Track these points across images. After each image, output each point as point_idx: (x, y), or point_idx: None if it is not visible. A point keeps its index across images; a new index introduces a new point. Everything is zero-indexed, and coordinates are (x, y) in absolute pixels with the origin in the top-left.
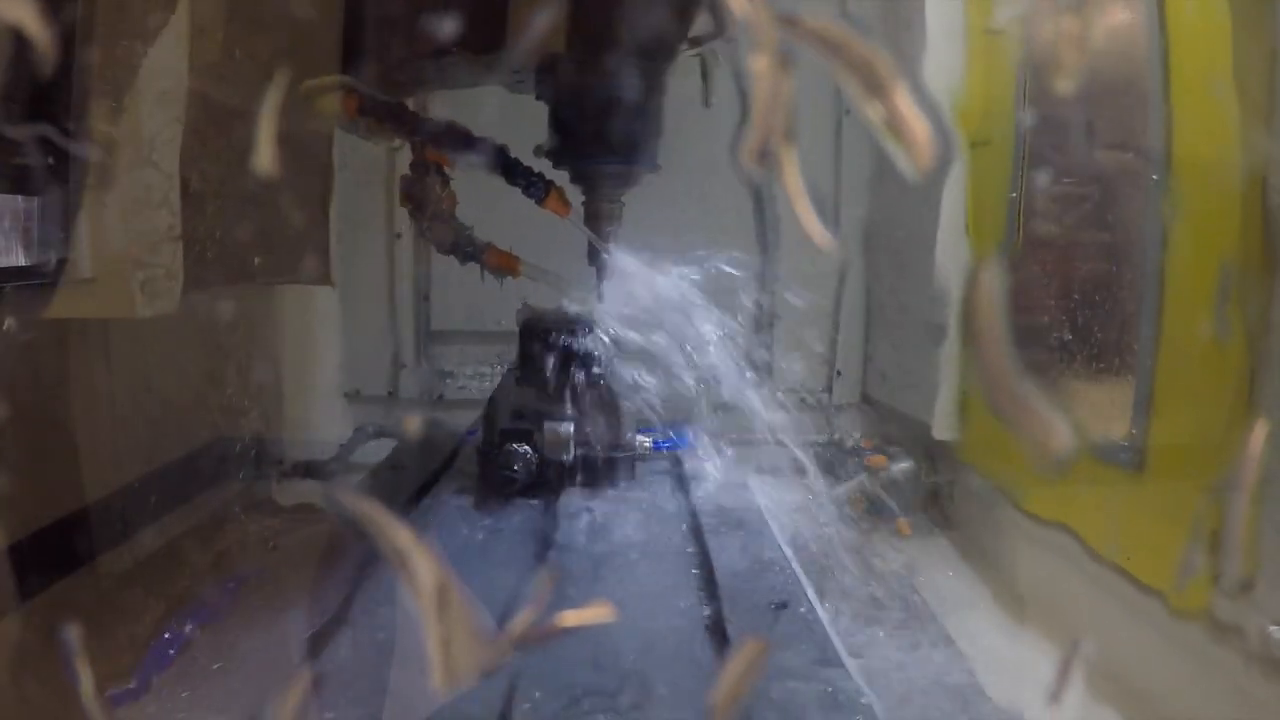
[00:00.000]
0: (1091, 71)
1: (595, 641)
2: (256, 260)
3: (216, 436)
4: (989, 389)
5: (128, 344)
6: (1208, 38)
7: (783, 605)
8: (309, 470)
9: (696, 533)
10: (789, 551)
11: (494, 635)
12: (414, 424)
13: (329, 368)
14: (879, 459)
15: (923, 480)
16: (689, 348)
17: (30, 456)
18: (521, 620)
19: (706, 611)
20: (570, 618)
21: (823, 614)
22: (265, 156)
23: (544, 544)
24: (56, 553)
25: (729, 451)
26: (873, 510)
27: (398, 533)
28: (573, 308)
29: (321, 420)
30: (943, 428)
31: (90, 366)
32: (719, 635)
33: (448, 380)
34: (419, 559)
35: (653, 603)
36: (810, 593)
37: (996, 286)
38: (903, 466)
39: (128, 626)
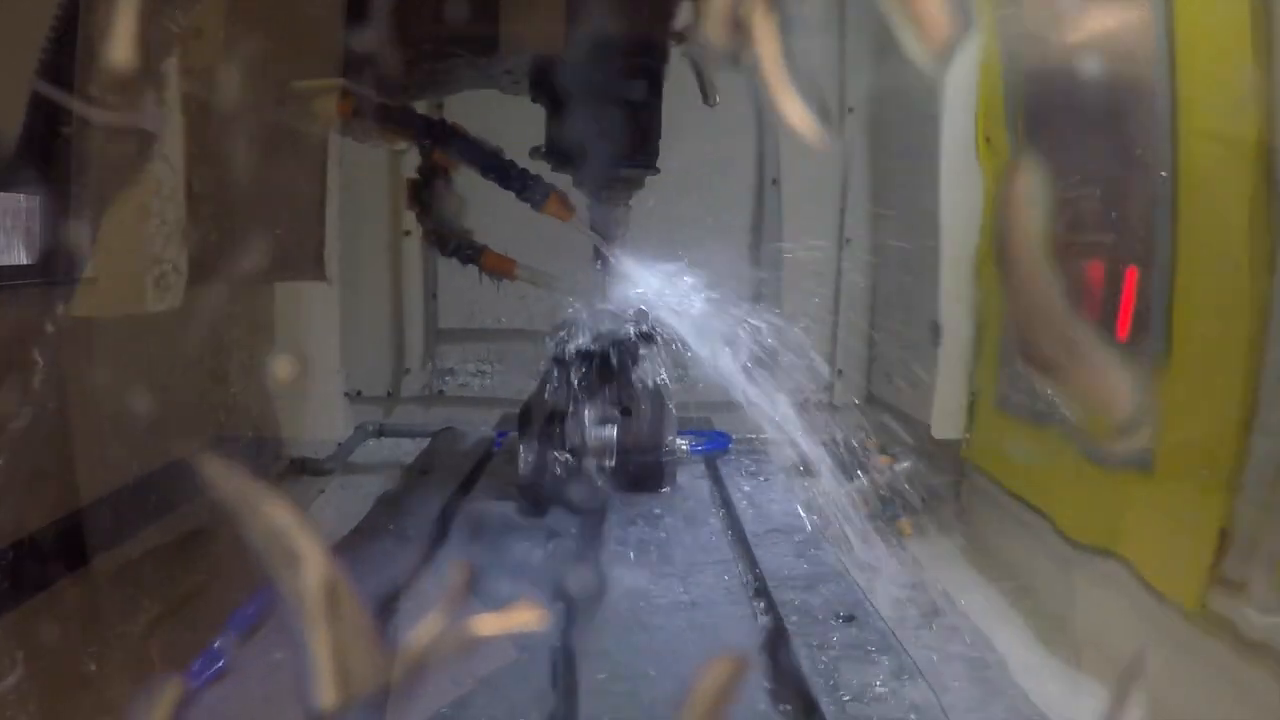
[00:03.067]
0: (1089, 66)
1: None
2: (253, 258)
3: (216, 435)
4: (1029, 332)
5: (128, 340)
6: (1218, 28)
7: (849, 618)
8: (305, 468)
9: (744, 541)
10: (843, 559)
11: (393, 645)
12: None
13: (329, 367)
14: (884, 459)
15: (923, 481)
16: (692, 349)
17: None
18: (428, 628)
19: (765, 621)
20: (490, 624)
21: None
22: (120, 50)
23: (591, 550)
24: (53, 554)
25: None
26: (880, 511)
27: (278, 511)
28: (611, 309)
29: (321, 419)
30: (942, 427)
31: (87, 363)
32: (787, 655)
33: (448, 378)
34: (306, 547)
35: (709, 614)
36: (873, 603)
37: (1034, 193)
38: (904, 466)
39: (123, 626)
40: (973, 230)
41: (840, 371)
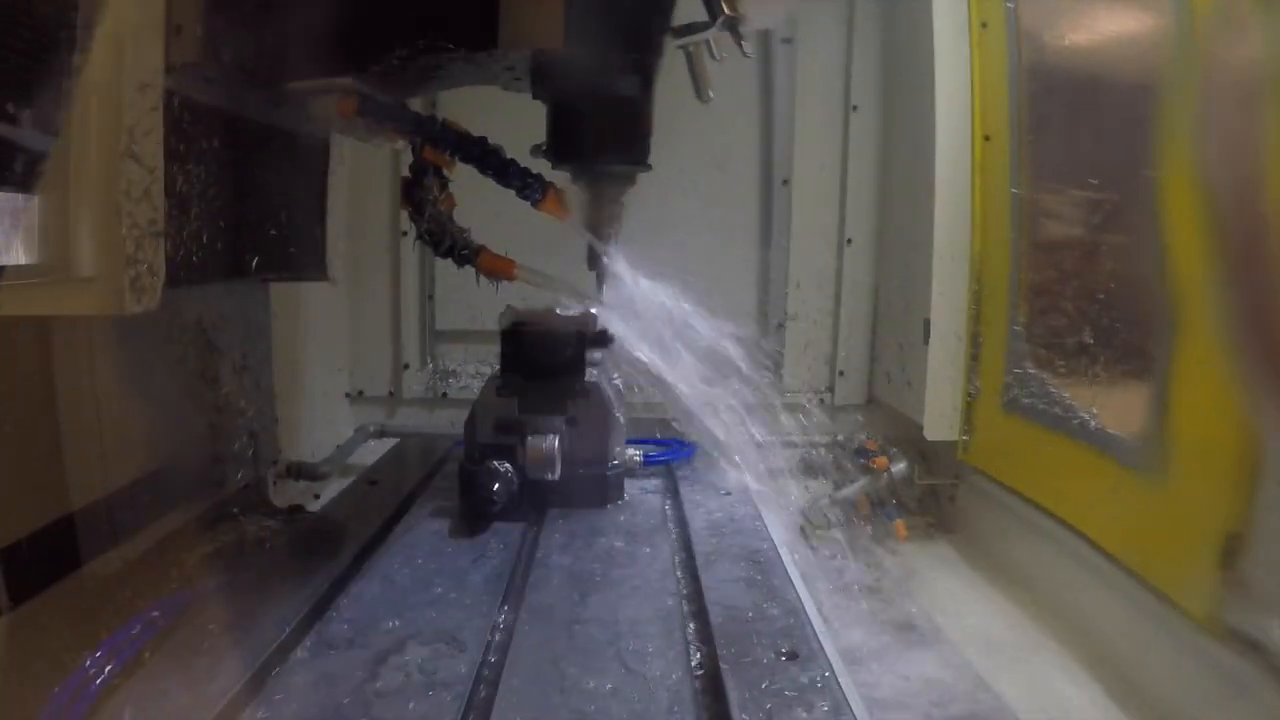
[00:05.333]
0: (1096, 67)
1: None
2: (248, 258)
3: (211, 436)
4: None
5: (121, 341)
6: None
7: (792, 656)
8: (302, 471)
9: (691, 565)
10: (800, 587)
11: None
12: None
13: (331, 367)
14: (882, 460)
15: (917, 483)
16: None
17: (18, 459)
18: None
19: (697, 658)
20: None
21: (837, 664)
22: None
23: (520, 577)
24: (49, 556)
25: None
26: (878, 513)
27: None
28: (566, 309)
29: (321, 420)
30: (935, 429)
31: (80, 365)
32: (715, 690)
33: (450, 380)
34: None
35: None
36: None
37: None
38: (900, 468)
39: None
40: (967, 226)
41: (842, 373)
